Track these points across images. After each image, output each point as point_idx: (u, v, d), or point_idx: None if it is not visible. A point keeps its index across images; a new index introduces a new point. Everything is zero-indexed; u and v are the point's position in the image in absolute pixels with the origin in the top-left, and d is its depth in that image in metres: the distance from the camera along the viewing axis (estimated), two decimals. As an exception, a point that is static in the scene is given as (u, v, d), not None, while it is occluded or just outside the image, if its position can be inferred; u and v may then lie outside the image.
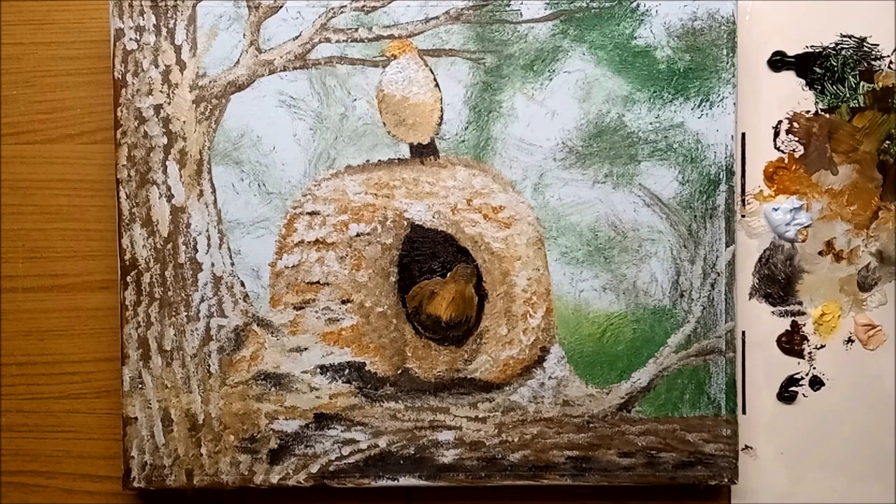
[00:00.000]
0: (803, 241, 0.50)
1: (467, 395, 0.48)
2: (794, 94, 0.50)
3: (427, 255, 0.48)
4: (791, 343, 0.50)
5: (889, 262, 0.49)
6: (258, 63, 0.48)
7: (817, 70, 0.50)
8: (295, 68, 0.48)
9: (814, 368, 0.50)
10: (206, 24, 0.47)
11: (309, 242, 0.48)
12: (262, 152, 0.48)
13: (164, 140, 0.48)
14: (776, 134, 0.50)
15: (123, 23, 0.47)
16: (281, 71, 0.48)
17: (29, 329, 0.51)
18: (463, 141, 0.48)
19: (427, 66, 0.48)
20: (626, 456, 0.48)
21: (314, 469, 0.48)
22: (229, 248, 0.48)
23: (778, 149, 0.50)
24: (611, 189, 0.48)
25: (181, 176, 0.48)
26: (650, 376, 0.48)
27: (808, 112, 0.50)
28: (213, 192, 0.48)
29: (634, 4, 0.47)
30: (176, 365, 0.48)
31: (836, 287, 0.50)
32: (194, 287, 0.48)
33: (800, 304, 0.50)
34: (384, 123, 0.48)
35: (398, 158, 0.48)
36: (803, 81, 0.50)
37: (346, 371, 0.48)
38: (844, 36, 0.50)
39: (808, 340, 0.50)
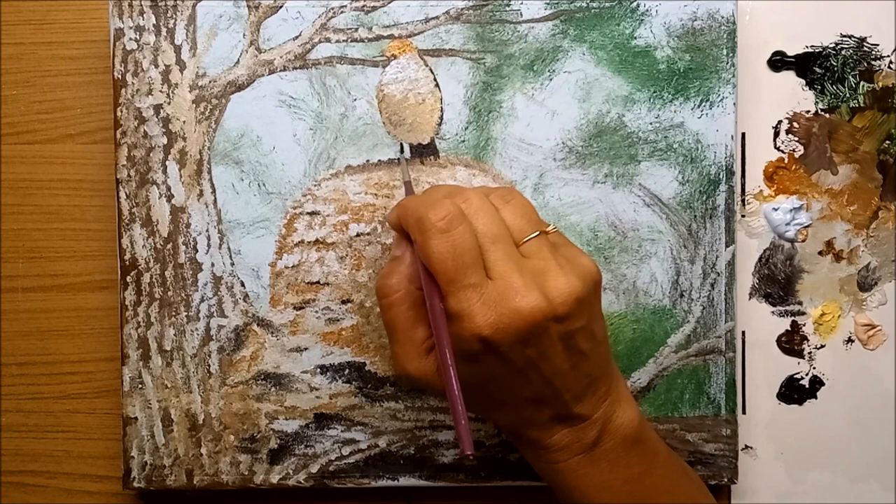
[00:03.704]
0: (803, 241, 0.50)
1: (467, 395, 0.48)
2: (794, 94, 0.50)
3: (427, 255, 0.48)
4: (791, 343, 0.50)
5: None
6: (258, 63, 0.48)
7: (817, 70, 0.50)
8: (295, 68, 0.48)
9: (814, 368, 0.50)
10: (205, 24, 0.47)
11: (309, 242, 0.48)
12: (262, 152, 0.48)
13: (164, 140, 0.48)
14: (776, 134, 0.50)
15: (123, 23, 0.47)
16: (281, 71, 0.48)
17: (29, 329, 0.51)
18: (463, 141, 0.48)
19: (427, 66, 0.48)
20: (626, 456, 0.48)
21: (314, 469, 0.48)
22: (229, 248, 0.48)
23: (778, 149, 0.50)
24: (611, 189, 0.48)
25: (181, 176, 0.48)
26: (650, 376, 0.48)
27: (808, 112, 0.50)
28: (213, 192, 0.48)
29: (634, 4, 0.47)
30: (176, 365, 0.48)
31: (836, 287, 0.50)
32: (194, 287, 0.48)
33: (800, 304, 0.50)
34: (384, 123, 0.48)
35: (397, 158, 0.48)
36: (803, 81, 0.50)
37: (346, 371, 0.48)
38: (844, 36, 0.50)
39: (808, 340, 0.50)
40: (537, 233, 0.38)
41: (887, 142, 0.50)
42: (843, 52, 0.50)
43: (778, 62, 0.50)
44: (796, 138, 0.50)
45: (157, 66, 0.48)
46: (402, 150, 0.47)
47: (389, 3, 0.48)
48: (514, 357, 0.36)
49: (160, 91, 0.48)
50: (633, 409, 0.40)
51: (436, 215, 0.36)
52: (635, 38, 0.47)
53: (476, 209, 0.37)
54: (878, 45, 0.50)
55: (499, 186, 0.40)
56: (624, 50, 0.48)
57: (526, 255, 0.37)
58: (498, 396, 0.38)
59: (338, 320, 0.48)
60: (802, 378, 0.50)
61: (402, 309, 0.39)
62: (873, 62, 0.50)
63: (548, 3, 0.47)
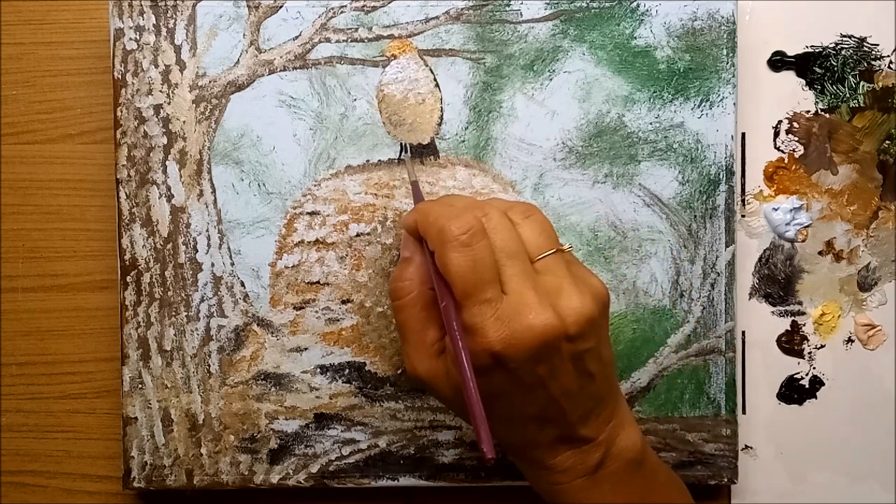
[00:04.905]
0: (803, 241, 0.50)
1: (467, 395, 0.48)
2: (794, 94, 0.50)
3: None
4: (791, 343, 0.50)
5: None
6: (258, 63, 0.48)
7: (817, 70, 0.50)
8: (295, 68, 0.48)
9: (814, 368, 0.50)
10: (205, 24, 0.47)
11: (309, 242, 0.48)
12: (262, 152, 0.48)
13: (164, 140, 0.48)
14: (776, 134, 0.50)
15: (123, 23, 0.47)
16: (281, 71, 0.48)
17: (29, 329, 0.51)
18: (463, 141, 0.48)
19: (427, 66, 0.48)
20: (626, 456, 0.48)
21: (314, 469, 0.48)
22: (229, 248, 0.48)
23: (778, 149, 0.50)
24: (611, 189, 0.48)
25: (181, 176, 0.48)
26: (650, 376, 0.48)
27: (808, 112, 0.50)
28: (213, 192, 0.48)
29: (634, 4, 0.47)
30: (176, 365, 0.48)
31: (836, 287, 0.50)
32: (194, 287, 0.48)
33: (800, 304, 0.50)
34: (384, 123, 0.48)
35: (398, 158, 0.48)
36: (803, 81, 0.50)
37: (346, 371, 0.48)
38: (844, 36, 0.50)
39: (808, 340, 0.50)
40: (553, 250, 0.38)
41: (887, 142, 0.50)
42: (843, 52, 0.50)
43: (778, 62, 0.50)
44: (796, 138, 0.50)
45: (157, 66, 0.48)
46: (404, 150, 0.47)
47: (389, 3, 0.48)
48: (523, 374, 0.36)
49: (160, 91, 0.48)
50: (637, 432, 0.40)
51: (458, 228, 0.36)
52: (635, 38, 0.47)
53: (495, 224, 0.37)
54: (878, 45, 0.50)
55: (518, 202, 0.40)
56: (624, 50, 0.48)
57: (541, 271, 0.37)
58: (504, 413, 0.38)
59: (338, 320, 0.48)
60: (802, 378, 0.50)
61: (415, 311, 0.39)
62: (873, 62, 0.50)
63: (548, 3, 0.47)
